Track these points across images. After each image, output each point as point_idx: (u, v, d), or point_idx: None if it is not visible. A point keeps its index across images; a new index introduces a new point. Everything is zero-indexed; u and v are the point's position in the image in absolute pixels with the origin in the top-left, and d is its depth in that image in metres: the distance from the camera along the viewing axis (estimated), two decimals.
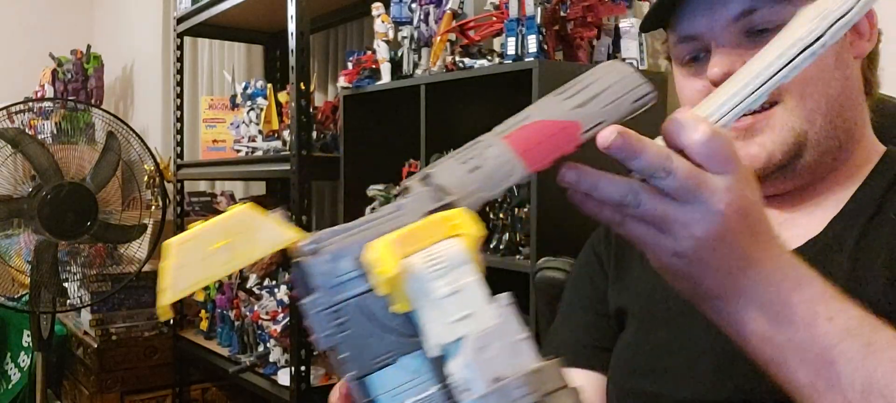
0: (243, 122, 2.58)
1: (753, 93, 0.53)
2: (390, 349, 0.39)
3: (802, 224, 0.74)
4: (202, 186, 3.64)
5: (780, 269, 0.51)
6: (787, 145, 0.71)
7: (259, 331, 2.46)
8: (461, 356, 0.35)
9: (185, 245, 0.42)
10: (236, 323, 2.59)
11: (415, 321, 0.38)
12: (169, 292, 0.42)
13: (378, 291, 0.38)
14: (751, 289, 0.51)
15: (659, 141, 0.51)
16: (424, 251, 0.37)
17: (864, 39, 0.75)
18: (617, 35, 1.66)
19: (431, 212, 0.41)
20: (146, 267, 2.82)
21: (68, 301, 2.67)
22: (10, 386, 3.14)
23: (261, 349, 2.45)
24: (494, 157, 0.46)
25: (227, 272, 0.42)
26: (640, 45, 1.63)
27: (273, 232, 0.43)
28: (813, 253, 0.69)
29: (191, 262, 0.42)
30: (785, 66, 0.53)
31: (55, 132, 2.58)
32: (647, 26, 0.80)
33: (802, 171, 0.73)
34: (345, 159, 2.08)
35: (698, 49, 0.75)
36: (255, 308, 2.46)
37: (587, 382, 0.82)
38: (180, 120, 2.98)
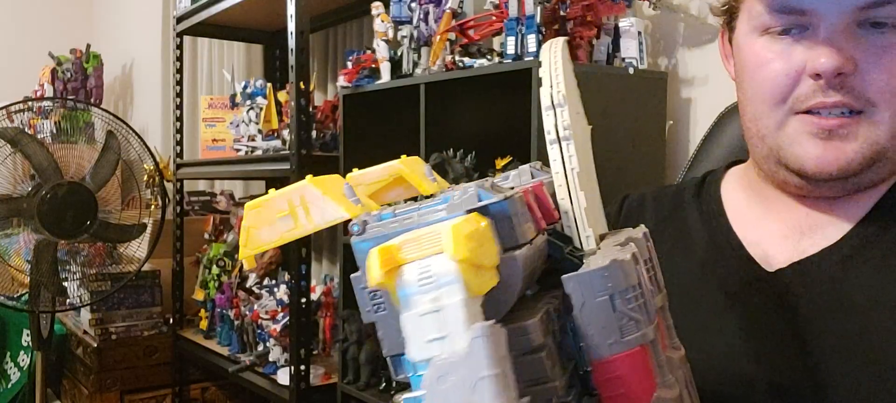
0: (243, 122, 2.58)
1: None
2: None
3: (829, 230, 0.72)
4: (202, 185, 3.64)
5: None
6: (866, 159, 0.66)
7: (259, 330, 2.46)
8: (423, 379, 0.34)
9: (254, 210, 0.48)
10: (236, 323, 2.59)
11: None
12: (245, 249, 0.48)
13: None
14: None
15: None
16: (421, 261, 0.36)
17: None
18: (617, 35, 1.66)
19: (471, 212, 0.41)
20: (146, 267, 2.82)
21: (68, 300, 2.67)
22: (9, 386, 3.14)
23: (260, 348, 2.45)
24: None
25: (288, 239, 0.48)
26: (640, 44, 1.63)
27: (329, 208, 0.47)
28: (833, 260, 0.69)
29: (260, 226, 0.47)
30: None
31: (55, 131, 2.57)
32: None
33: (859, 182, 0.69)
34: (344, 158, 2.08)
35: (795, 24, 0.66)
36: (255, 307, 2.46)
37: None
38: (180, 119, 2.98)
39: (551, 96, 0.51)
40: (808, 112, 0.67)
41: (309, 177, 0.48)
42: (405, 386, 0.38)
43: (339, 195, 0.48)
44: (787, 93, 0.68)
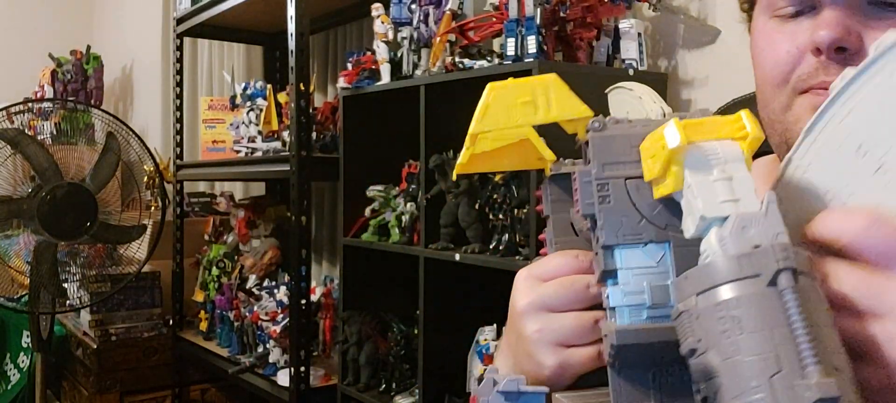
0: (243, 123, 2.59)
1: None
2: (642, 232, 0.44)
3: None
4: (202, 187, 3.64)
5: None
6: None
7: (258, 332, 2.46)
8: (723, 229, 0.37)
9: (498, 90, 0.51)
10: (236, 324, 2.59)
11: (671, 213, 0.43)
12: (479, 124, 0.50)
13: (646, 176, 0.43)
14: None
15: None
16: (710, 142, 0.41)
17: None
18: (616, 36, 1.66)
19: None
20: (145, 268, 2.82)
21: (68, 301, 2.67)
22: (9, 387, 3.14)
23: (260, 349, 2.45)
24: None
25: (523, 122, 0.51)
26: (640, 45, 1.63)
27: (569, 103, 0.50)
28: None
29: (499, 105, 0.50)
30: None
31: (55, 132, 2.58)
32: None
33: None
34: (344, 160, 2.08)
35: (805, 4, 0.64)
36: (255, 308, 2.46)
37: None
38: (180, 120, 2.98)
39: (661, 108, 0.55)
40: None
41: (554, 74, 0.51)
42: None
43: (575, 98, 0.51)
44: (788, 73, 0.65)
